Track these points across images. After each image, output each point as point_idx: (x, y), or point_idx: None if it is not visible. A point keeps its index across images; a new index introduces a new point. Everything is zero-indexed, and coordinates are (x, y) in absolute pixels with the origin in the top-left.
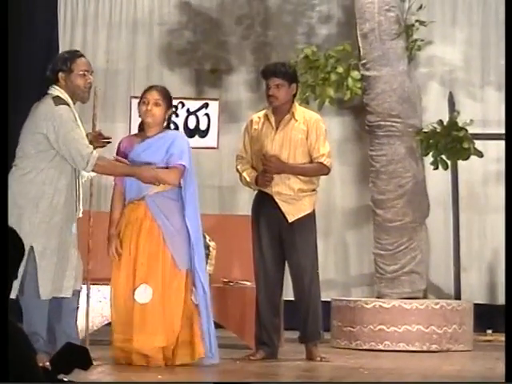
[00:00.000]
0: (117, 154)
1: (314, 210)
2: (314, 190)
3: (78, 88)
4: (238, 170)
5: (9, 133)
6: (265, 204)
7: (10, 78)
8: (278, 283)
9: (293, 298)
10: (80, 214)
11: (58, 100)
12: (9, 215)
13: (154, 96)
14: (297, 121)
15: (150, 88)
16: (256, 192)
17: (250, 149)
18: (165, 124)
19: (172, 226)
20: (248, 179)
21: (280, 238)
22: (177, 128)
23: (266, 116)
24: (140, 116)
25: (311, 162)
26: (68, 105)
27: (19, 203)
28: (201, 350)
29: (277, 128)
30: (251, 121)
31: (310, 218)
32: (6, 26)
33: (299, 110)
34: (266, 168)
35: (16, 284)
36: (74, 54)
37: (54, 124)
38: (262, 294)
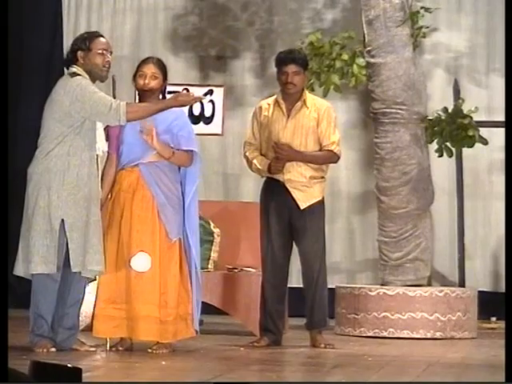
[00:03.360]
0: (113, 126)
1: (323, 197)
2: (323, 178)
3: (97, 66)
4: (246, 156)
5: (15, 122)
6: (275, 191)
7: (15, 66)
8: (284, 270)
9: (297, 285)
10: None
11: (74, 75)
12: (38, 195)
13: (151, 69)
14: (308, 108)
15: (146, 61)
16: (264, 179)
17: (259, 135)
18: (160, 96)
19: (164, 196)
20: (259, 166)
21: (290, 226)
22: None
23: (277, 103)
24: (137, 89)
25: (321, 149)
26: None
27: (46, 178)
28: (192, 329)
29: (288, 115)
30: (260, 107)
31: (320, 204)
32: (6, 25)
33: (309, 97)
34: (277, 155)
35: (51, 258)
36: (93, 34)
37: (75, 93)
38: (269, 281)
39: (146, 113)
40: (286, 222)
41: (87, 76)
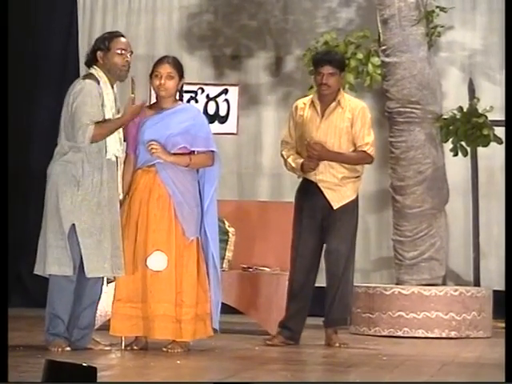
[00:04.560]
0: (130, 126)
1: (357, 197)
2: (357, 177)
3: (116, 66)
4: (282, 155)
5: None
6: (309, 191)
7: (29, 65)
8: (313, 270)
9: (316, 285)
10: (121, 195)
11: (87, 76)
12: (54, 196)
13: (167, 69)
14: (342, 108)
15: (162, 61)
16: (301, 179)
17: (295, 134)
18: (177, 95)
19: (181, 195)
20: (293, 165)
21: (321, 225)
22: None
23: (312, 103)
24: (153, 90)
25: (355, 150)
26: (98, 82)
27: (62, 181)
28: (211, 328)
29: (322, 115)
30: (296, 106)
31: (354, 204)
32: (6, 25)
33: (345, 97)
34: (310, 154)
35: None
36: (113, 34)
37: (75, 95)
38: (297, 280)
39: (109, 133)
40: (319, 222)
41: (104, 76)
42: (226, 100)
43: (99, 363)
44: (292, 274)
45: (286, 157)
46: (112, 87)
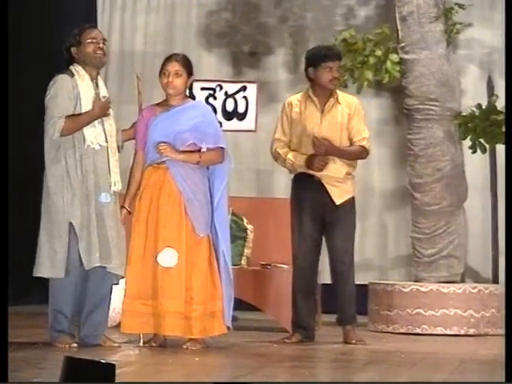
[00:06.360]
0: (139, 124)
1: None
2: (353, 174)
3: (88, 55)
4: (278, 152)
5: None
6: (308, 187)
7: (49, 63)
8: (315, 266)
9: (329, 282)
10: (119, 186)
11: (62, 72)
12: (45, 199)
13: (175, 67)
14: (340, 104)
15: (170, 58)
16: (294, 175)
17: (290, 131)
18: (187, 92)
19: (191, 191)
20: (295, 162)
21: (322, 221)
22: (215, 111)
23: (309, 98)
24: (162, 87)
25: (351, 144)
26: (72, 75)
27: (50, 184)
28: (223, 326)
29: (322, 111)
30: (290, 103)
31: (353, 201)
32: (5, 25)
33: (339, 93)
34: (317, 150)
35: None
36: (82, 27)
37: (47, 92)
38: (300, 277)
39: (80, 127)
40: (319, 218)
41: (82, 70)
42: (245, 97)
43: (117, 360)
44: (297, 271)
45: (283, 154)
46: (93, 80)
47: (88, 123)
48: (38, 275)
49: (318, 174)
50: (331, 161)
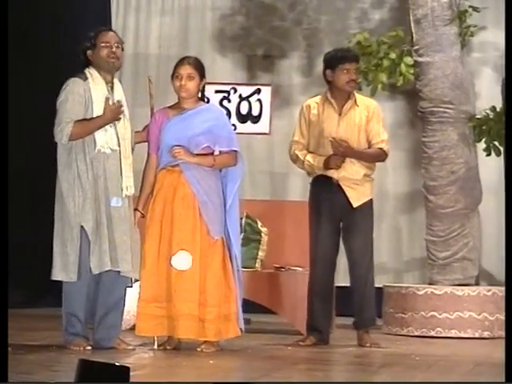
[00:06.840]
0: (152, 127)
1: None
2: (371, 176)
3: (102, 59)
4: (296, 155)
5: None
6: (326, 189)
7: (64, 65)
8: (333, 269)
9: (344, 284)
10: (131, 191)
11: (76, 75)
12: (57, 203)
13: (187, 70)
14: (358, 106)
15: (182, 62)
16: (313, 177)
17: (308, 133)
18: (199, 95)
19: (205, 194)
20: (314, 163)
21: (340, 223)
22: (229, 114)
23: (327, 101)
24: (174, 91)
25: (369, 147)
26: (85, 79)
27: (62, 187)
28: (237, 328)
29: (340, 113)
30: (308, 106)
31: (371, 203)
32: (5, 26)
33: (358, 95)
34: (336, 152)
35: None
36: (98, 30)
37: (59, 95)
38: (317, 280)
39: (89, 132)
40: (337, 221)
41: (95, 72)
42: (259, 100)
43: (132, 363)
44: (314, 274)
45: (302, 156)
46: (108, 83)
47: (99, 127)
48: (54, 278)
49: (335, 176)
50: (350, 162)
